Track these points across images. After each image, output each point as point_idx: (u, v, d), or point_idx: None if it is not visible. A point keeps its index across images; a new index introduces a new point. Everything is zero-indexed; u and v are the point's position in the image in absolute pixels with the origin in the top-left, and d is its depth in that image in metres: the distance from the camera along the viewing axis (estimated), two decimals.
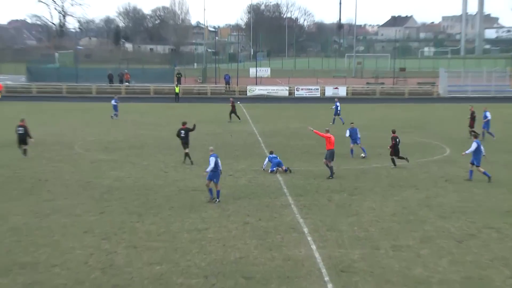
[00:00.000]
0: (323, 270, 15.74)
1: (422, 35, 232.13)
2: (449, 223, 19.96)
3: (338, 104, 45.96)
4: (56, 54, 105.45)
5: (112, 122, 46.24)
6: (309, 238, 18.28)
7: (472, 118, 38.47)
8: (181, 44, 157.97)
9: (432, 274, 15.59)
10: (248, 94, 72.39)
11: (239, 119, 46.96)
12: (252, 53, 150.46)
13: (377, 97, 72.73)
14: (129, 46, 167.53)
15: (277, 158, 27.89)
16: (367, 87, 77.12)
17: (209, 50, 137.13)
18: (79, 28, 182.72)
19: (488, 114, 38.22)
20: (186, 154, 30.07)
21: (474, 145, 25.86)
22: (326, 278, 15.24)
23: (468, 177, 26.25)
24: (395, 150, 29.07)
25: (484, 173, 25.93)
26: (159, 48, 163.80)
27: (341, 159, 31.20)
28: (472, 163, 26.09)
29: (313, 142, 36.75)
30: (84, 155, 32.32)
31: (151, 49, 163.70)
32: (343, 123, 45.40)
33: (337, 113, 45.93)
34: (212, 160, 21.97)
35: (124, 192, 23.97)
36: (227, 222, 20.01)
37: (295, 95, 71.91)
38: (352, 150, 32.33)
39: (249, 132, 41.58)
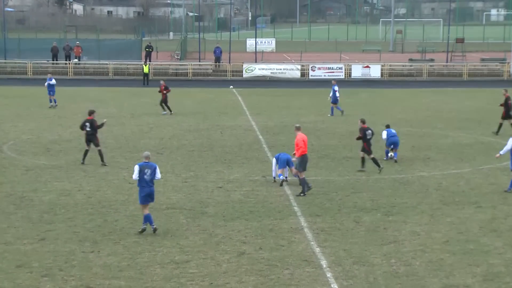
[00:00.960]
0: None
1: None
2: None
3: (336, 88, 46.58)
4: None
5: (55, 114, 46.34)
6: (329, 275, 18.42)
7: (507, 106, 39.06)
8: (151, 5, 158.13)
9: None
10: (245, 75, 72.50)
11: (170, 111, 46.38)
12: (250, 19, 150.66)
13: (424, 79, 72.86)
14: (78, 8, 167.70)
15: (286, 154, 28.12)
16: (410, 66, 77.21)
17: (190, 14, 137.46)
18: None
19: None
20: (99, 152, 31.21)
21: (510, 142, 26.73)
22: None
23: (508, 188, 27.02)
24: (367, 146, 29.74)
25: None
26: (121, 11, 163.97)
27: (372, 166, 31.33)
28: None
29: (335, 142, 36.94)
30: (17, 159, 32.43)
31: (110, 13, 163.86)
32: (342, 114, 46.31)
33: (335, 101, 46.85)
34: (135, 170, 21.64)
35: (73, 211, 24.04)
36: (215, 252, 20.15)
37: (310, 77, 72.01)
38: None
39: (245, 128, 41.74)
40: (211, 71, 74.57)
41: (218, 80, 70.54)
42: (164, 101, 46.40)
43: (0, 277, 18.08)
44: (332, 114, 46.45)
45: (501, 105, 39.30)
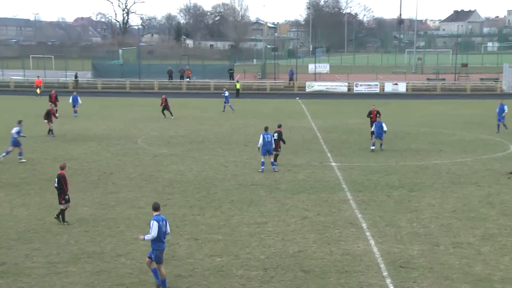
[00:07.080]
0: (382, 265, 15.70)
1: (485, 30, 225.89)
2: None
3: (226, 93, 50.87)
4: (120, 51, 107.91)
5: (174, 117, 46.87)
6: (368, 233, 18.26)
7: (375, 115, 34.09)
8: (241, 40, 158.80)
9: (494, 272, 15.35)
10: (307, 90, 72.22)
11: (166, 115, 46.04)
12: (311, 49, 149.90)
13: (437, 93, 71.40)
14: (189, 42, 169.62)
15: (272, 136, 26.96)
16: (428, 83, 75.78)
17: (268, 46, 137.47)
18: (142, 25, 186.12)
19: (506, 108, 38.46)
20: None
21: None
22: (385, 273, 15.20)
23: None
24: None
25: None
26: (219, 45, 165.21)
27: (399, 155, 30.90)
28: None
29: None
30: (147, 149, 32.99)
31: (211, 46, 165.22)
32: (233, 110, 49.50)
33: (227, 101, 50.24)
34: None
35: (186, 186, 24.37)
36: (286, 216, 20.16)
37: (354, 91, 71.34)
38: (374, 144, 32.11)
39: (308, 128, 41.59)
40: (283, 87, 74.54)
41: (288, 94, 70.40)
42: (165, 108, 46.09)
43: (136, 231, 18.44)
44: (224, 110, 49.95)
45: (373, 117, 34.35)
